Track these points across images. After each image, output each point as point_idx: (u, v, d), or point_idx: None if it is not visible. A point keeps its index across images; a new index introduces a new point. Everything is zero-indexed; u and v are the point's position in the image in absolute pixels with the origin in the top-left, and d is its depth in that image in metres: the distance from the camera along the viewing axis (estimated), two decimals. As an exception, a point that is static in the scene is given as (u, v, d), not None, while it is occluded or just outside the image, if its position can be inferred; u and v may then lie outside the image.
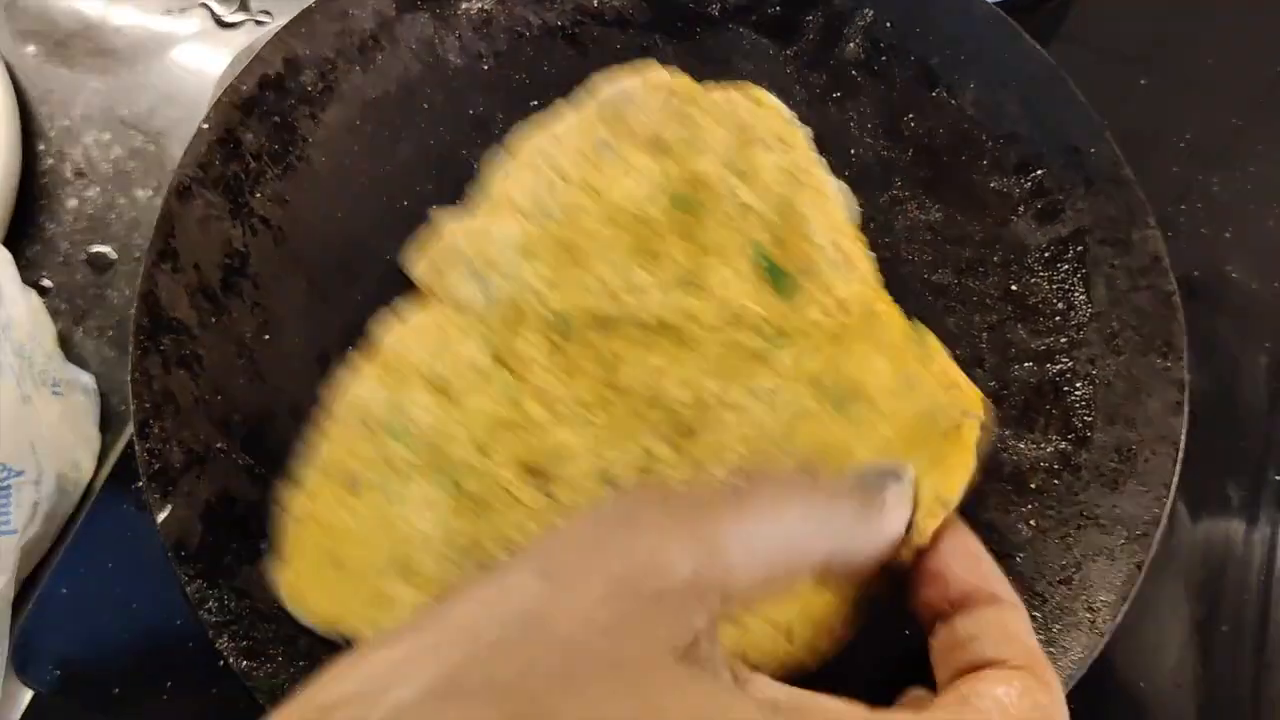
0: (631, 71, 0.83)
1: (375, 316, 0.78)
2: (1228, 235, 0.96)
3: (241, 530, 0.74)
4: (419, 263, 0.79)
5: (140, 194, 1.03)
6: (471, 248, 0.79)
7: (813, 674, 0.70)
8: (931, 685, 0.58)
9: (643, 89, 0.82)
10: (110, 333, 0.98)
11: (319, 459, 0.76)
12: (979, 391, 0.76)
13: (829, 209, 0.81)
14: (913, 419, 0.75)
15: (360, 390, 0.76)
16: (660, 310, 0.78)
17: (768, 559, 0.48)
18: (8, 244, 0.95)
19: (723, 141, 0.81)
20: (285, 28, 0.80)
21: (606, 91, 0.82)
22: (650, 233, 0.80)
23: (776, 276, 0.79)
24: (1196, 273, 0.94)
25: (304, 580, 0.73)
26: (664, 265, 0.79)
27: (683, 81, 0.82)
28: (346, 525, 0.75)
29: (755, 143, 0.81)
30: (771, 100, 0.82)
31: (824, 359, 0.77)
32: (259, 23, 1.09)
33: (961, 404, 0.75)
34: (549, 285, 0.79)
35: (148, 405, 0.73)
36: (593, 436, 0.76)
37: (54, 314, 0.96)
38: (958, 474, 0.72)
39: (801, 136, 0.82)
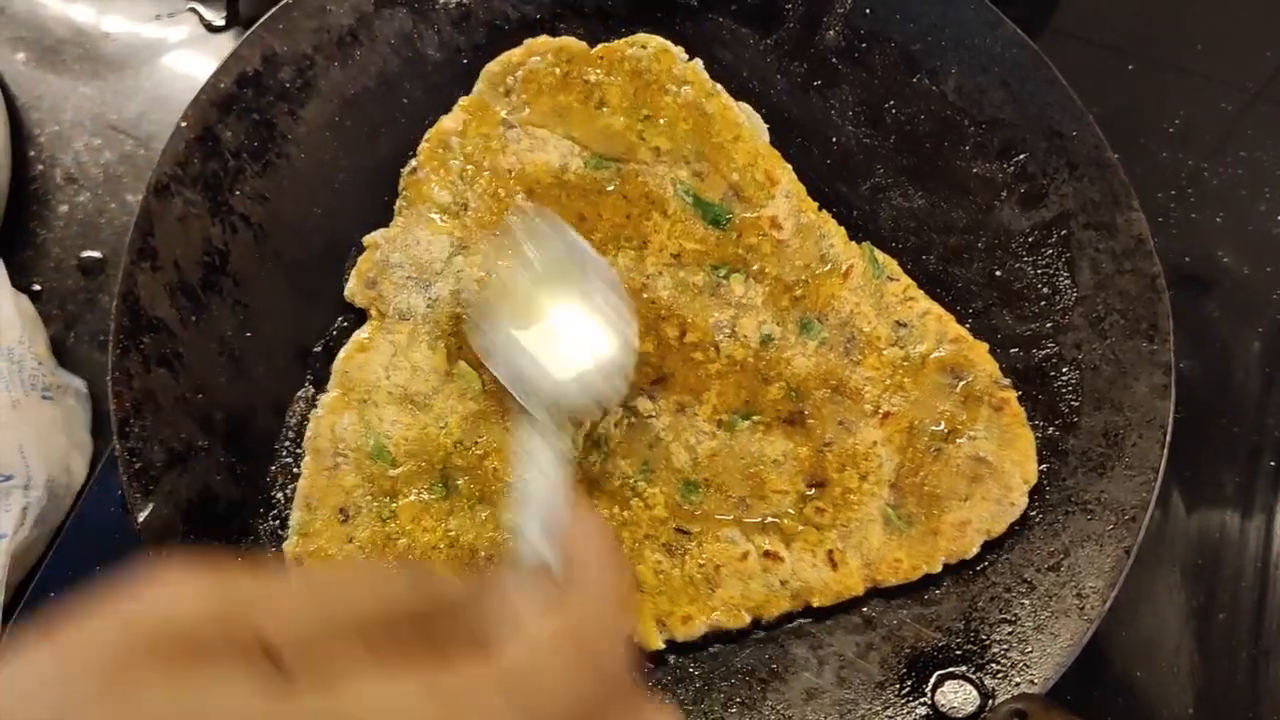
0: (517, 48, 0.83)
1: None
2: (1219, 221, 0.95)
3: (223, 528, 0.73)
4: (350, 284, 0.79)
5: (131, 198, 1.03)
6: (401, 257, 0.79)
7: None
8: None
9: (530, 61, 0.83)
10: (102, 338, 0.97)
11: (304, 499, 0.75)
12: (983, 345, 0.76)
13: (741, 134, 0.82)
14: (927, 372, 0.76)
15: (328, 422, 0.76)
16: None
17: None
18: (-2, 250, 0.95)
19: (622, 93, 0.82)
20: (263, 24, 0.80)
21: (495, 71, 0.83)
22: (573, 197, 0.80)
23: (705, 209, 0.80)
24: (1188, 259, 0.94)
25: None
26: (595, 225, 0.80)
27: (568, 44, 0.83)
28: (349, 555, 0.74)
29: (653, 87, 0.82)
30: (659, 42, 0.83)
31: (771, 280, 0.79)
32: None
33: (974, 360, 0.76)
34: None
35: (128, 405, 0.73)
36: None
37: (46, 320, 0.96)
38: (1031, 452, 0.74)
39: (696, 69, 0.83)
